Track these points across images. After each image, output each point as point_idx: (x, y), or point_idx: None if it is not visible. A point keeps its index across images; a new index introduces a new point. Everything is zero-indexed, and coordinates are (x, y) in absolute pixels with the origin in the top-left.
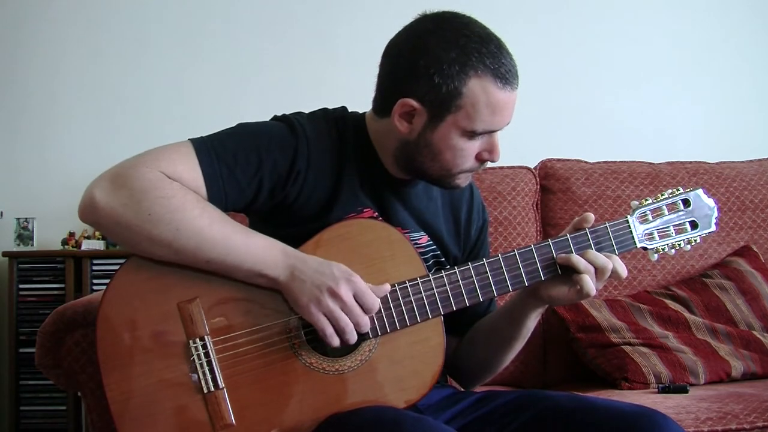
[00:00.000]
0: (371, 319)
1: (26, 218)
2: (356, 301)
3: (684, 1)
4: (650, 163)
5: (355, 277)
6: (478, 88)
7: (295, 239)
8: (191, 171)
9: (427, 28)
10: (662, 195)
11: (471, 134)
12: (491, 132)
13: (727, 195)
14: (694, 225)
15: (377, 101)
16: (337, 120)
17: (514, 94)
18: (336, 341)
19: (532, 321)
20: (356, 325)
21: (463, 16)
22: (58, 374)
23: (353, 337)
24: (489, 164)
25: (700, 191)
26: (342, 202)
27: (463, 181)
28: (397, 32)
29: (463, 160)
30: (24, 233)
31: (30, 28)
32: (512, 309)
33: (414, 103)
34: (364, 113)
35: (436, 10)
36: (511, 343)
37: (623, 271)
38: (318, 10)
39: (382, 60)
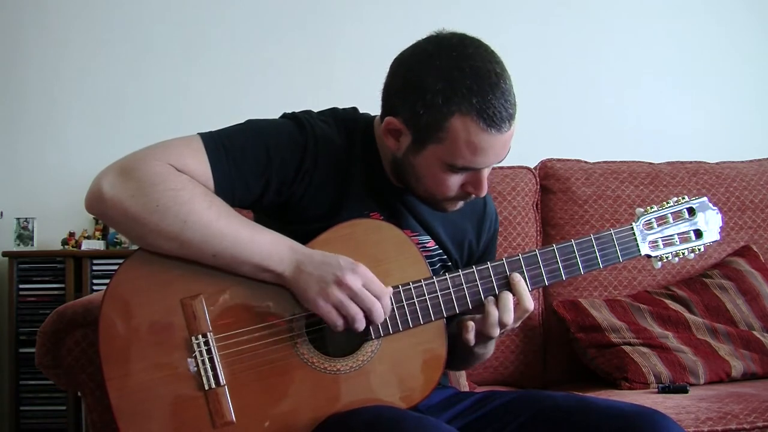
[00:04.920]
0: (369, 319)
1: (26, 218)
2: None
3: (684, 2)
4: (650, 163)
5: (361, 267)
6: (460, 125)
7: (300, 237)
8: (200, 165)
9: (427, 50)
10: (668, 203)
11: (452, 167)
12: (474, 169)
13: (727, 195)
14: (698, 234)
15: (381, 110)
16: (346, 121)
17: (503, 136)
18: (342, 329)
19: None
20: (369, 312)
21: (471, 44)
22: (58, 374)
23: (362, 325)
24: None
25: (705, 200)
26: (350, 204)
27: (450, 206)
28: (406, 45)
29: (446, 189)
30: (24, 233)
31: (30, 29)
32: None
33: (398, 123)
34: (375, 116)
35: (450, 30)
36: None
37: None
38: (320, 11)
39: (388, 72)
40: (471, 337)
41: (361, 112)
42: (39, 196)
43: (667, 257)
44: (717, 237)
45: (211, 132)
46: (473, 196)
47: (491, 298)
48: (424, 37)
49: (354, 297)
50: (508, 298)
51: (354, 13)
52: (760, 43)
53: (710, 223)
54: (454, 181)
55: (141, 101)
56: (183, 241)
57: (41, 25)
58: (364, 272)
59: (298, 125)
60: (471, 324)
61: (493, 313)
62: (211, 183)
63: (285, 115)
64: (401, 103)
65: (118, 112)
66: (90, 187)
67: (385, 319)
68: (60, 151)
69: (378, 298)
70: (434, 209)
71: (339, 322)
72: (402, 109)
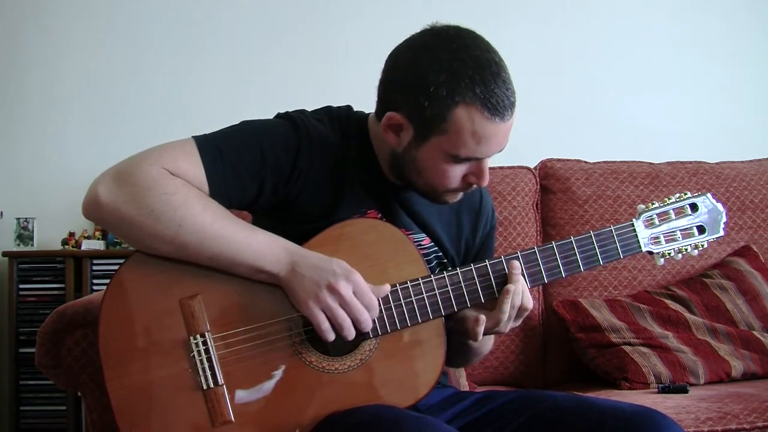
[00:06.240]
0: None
1: (26, 218)
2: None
3: (684, 2)
4: (650, 163)
5: (355, 275)
6: (464, 115)
7: (297, 236)
8: (194, 168)
9: (425, 43)
10: (669, 199)
11: (455, 158)
12: (477, 159)
13: (727, 195)
14: (701, 229)
15: (376, 106)
16: (341, 119)
17: (505, 125)
18: (331, 336)
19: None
20: (356, 322)
21: (468, 35)
22: (58, 374)
23: (351, 333)
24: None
25: (708, 195)
26: (346, 203)
27: (450, 198)
28: (402, 40)
29: (448, 181)
30: (24, 233)
31: (30, 29)
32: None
33: (400, 118)
34: (369, 114)
35: (444, 23)
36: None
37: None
38: (320, 11)
39: (383, 67)
40: (480, 330)
41: (355, 110)
42: (39, 196)
43: (669, 253)
44: (721, 233)
45: (205, 134)
46: (475, 186)
47: (505, 297)
48: (418, 31)
49: (344, 304)
50: (516, 286)
51: (354, 13)
52: (760, 43)
53: (713, 218)
54: (457, 171)
55: (141, 101)
56: (179, 245)
57: (41, 25)
58: (357, 280)
59: (292, 125)
60: (483, 318)
61: (507, 311)
62: (205, 186)
63: (279, 115)
64: (402, 98)
65: (118, 112)
66: (87, 192)
67: (384, 318)
68: (60, 151)
69: (367, 308)
70: (434, 202)
71: (325, 326)
72: (403, 104)
